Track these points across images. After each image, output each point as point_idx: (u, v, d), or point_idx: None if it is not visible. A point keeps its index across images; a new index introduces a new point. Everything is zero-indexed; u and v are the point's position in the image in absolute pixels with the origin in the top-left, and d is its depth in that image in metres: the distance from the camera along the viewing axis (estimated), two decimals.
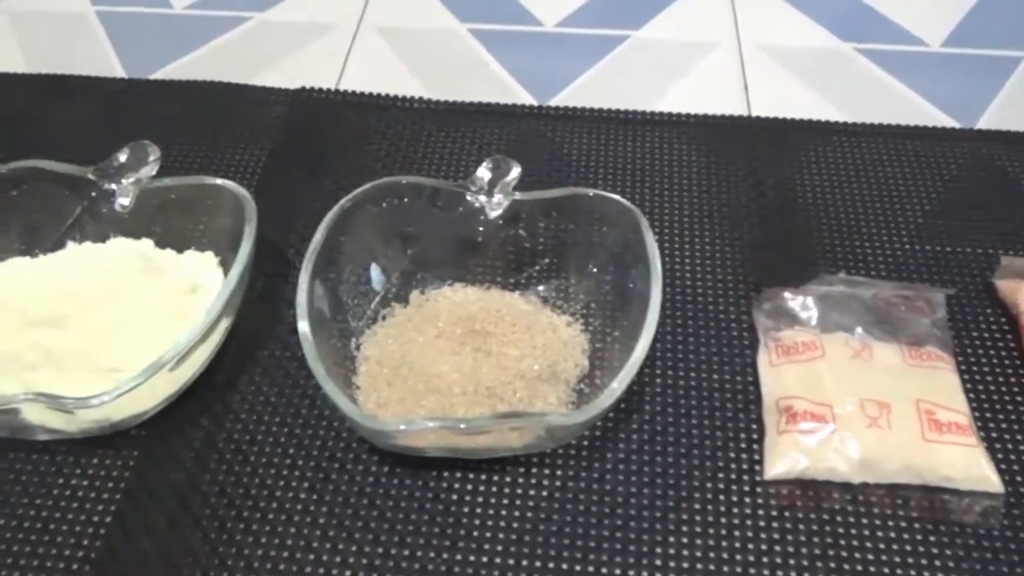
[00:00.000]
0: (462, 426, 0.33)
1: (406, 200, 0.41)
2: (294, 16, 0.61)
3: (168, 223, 0.42)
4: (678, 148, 0.51)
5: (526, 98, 0.55)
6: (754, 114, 0.54)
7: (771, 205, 0.48)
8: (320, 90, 0.54)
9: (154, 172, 0.42)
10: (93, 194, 0.42)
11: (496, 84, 0.56)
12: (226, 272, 0.41)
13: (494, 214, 0.41)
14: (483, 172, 0.41)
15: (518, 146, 0.51)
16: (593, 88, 0.56)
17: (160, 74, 0.56)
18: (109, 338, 0.38)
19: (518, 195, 0.41)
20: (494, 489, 0.36)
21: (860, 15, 0.62)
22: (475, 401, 0.37)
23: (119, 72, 0.56)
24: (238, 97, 0.54)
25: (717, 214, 0.47)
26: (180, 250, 0.42)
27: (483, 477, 0.37)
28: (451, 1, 0.63)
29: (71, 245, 0.42)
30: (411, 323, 0.40)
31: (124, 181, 0.41)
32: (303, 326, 0.35)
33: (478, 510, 0.36)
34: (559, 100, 0.55)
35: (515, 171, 0.41)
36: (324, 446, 0.38)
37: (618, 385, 0.33)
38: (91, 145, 0.49)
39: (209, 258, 0.42)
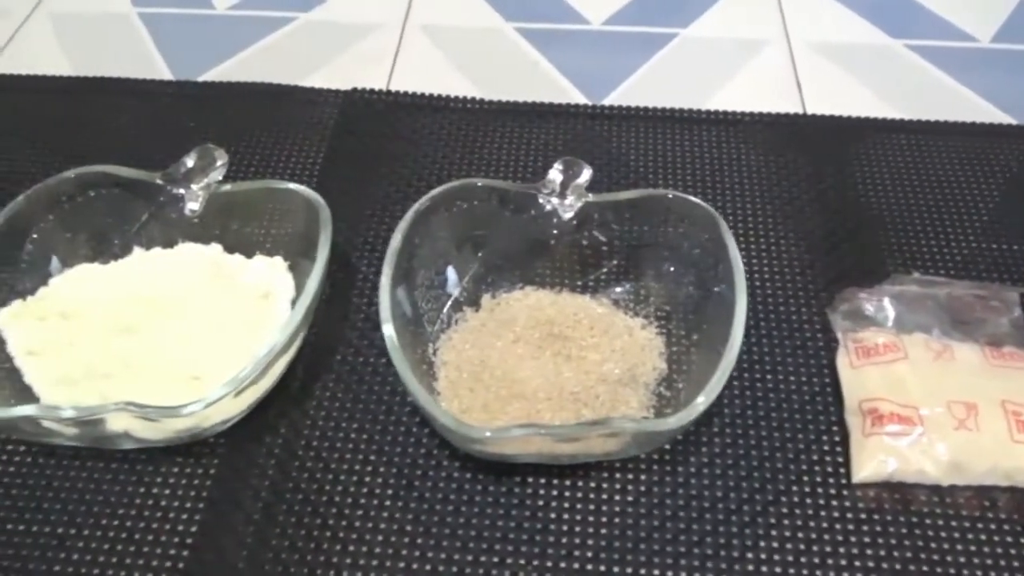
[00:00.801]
0: (559, 433, 0.32)
1: (478, 202, 0.40)
2: (338, 17, 0.61)
3: (236, 228, 0.42)
4: (735, 147, 0.51)
5: (579, 97, 0.55)
6: (809, 111, 0.53)
7: (833, 204, 0.47)
8: (371, 91, 0.54)
9: (221, 176, 0.41)
10: (161, 199, 0.41)
11: (547, 83, 0.56)
12: (296, 277, 0.41)
13: (566, 216, 0.41)
14: (555, 174, 0.41)
15: (575, 146, 0.51)
16: (645, 87, 0.56)
17: (207, 76, 0.56)
18: (186, 346, 0.38)
19: (591, 197, 0.41)
20: (579, 495, 0.36)
21: (905, 10, 0.62)
22: (560, 407, 0.36)
23: (166, 74, 0.56)
24: (289, 99, 0.54)
25: (780, 213, 0.47)
26: (248, 255, 0.42)
27: (567, 483, 0.36)
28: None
29: (137, 251, 0.42)
30: (486, 327, 0.40)
31: (194, 186, 0.41)
32: (388, 331, 0.35)
33: (565, 516, 0.36)
34: (612, 99, 0.55)
35: (587, 173, 0.41)
36: (404, 452, 0.37)
37: (711, 391, 0.33)
38: (144, 149, 0.50)
39: (278, 263, 0.41)
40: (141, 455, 0.37)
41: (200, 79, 0.55)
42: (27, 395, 0.37)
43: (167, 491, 0.36)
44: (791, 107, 0.54)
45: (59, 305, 0.39)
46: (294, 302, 0.40)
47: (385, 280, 0.37)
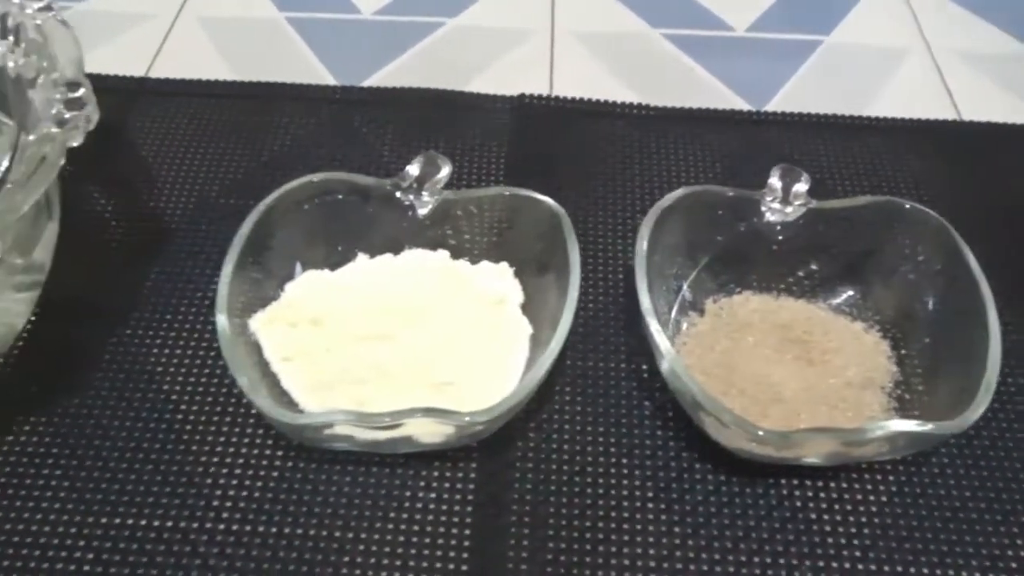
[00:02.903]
0: (851, 438, 0.33)
1: (707, 208, 0.41)
2: (486, 22, 0.61)
3: (461, 233, 0.42)
4: (902, 154, 0.52)
5: (740, 103, 0.56)
6: (965, 119, 0.55)
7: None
8: (539, 96, 0.54)
9: (445, 183, 0.42)
10: (390, 205, 0.41)
11: (706, 89, 0.57)
12: (523, 284, 0.41)
13: (787, 222, 0.42)
14: (775, 181, 0.42)
15: (743, 152, 0.52)
16: (800, 93, 0.56)
17: (369, 82, 0.56)
18: (434, 351, 0.38)
19: (814, 203, 0.42)
20: (834, 495, 0.37)
21: None
22: (814, 410, 0.37)
23: (328, 79, 0.56)
24: (459, 105, 0.54)
25: (966, 220, 0.48)
26: (473, 261, 0.42)
27: (819, 483, 0.37)
28: (637, 5, 0.63)
29: (362, 257, 0.42)
30: (719, 332, 0.40)
31: (425, 193, 0.41)
32: (665, 345, 0.35)
33: (825, 516, 0.36)
34: (773, 105, 0.55)
35: (806, 180, 0.42)
36: (654, 454, 0.38)
37: (982, 398, 0.34)
38: (322, 154, 0.50)
39: (504, 269, 0.42)
40: (399, 459, 0.38)
41: (363, 84, 0.56)
42: (286, 400, 0.37)
43: (432, 495, 0.37)
44: (945, 114, 0.55)
45: (307, 311, 0.39)
46: (523, 307, 0.41)
47: (642, 283, 0.37)
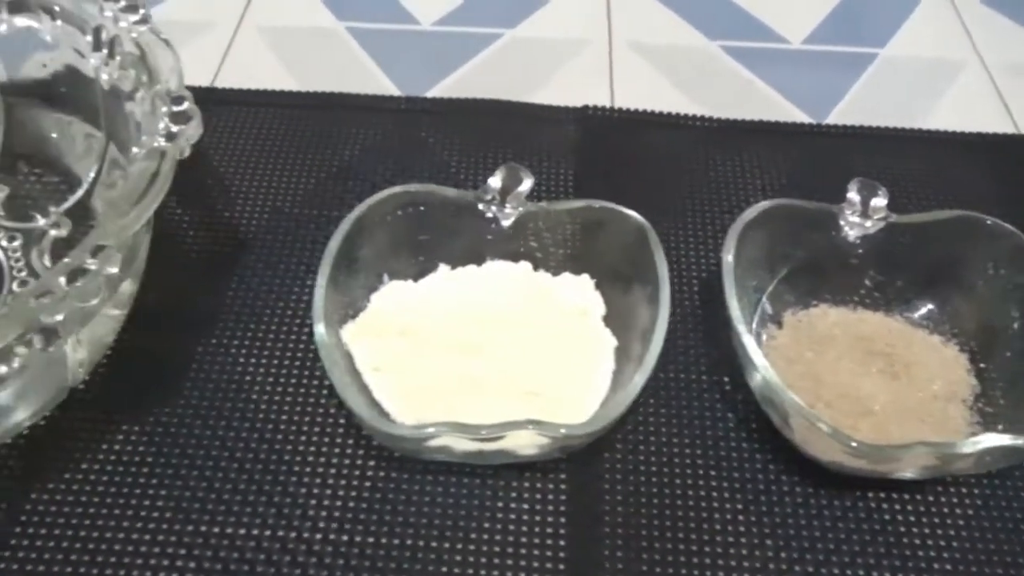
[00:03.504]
0: (946, 453, 0.33)
1: (786, 221, 0.42)
2: (545, 32, 0.62)
3: (542, 245, 0.42)
4: (966, 166, 0.52)
5: (801, 116, 0.56)
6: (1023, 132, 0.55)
7: None
8: (602, 108, 0.55)
9: (526, 194, 0.42)
10: (473, 216, 0.42)
11: (765, 101, 0.57)
12: (604, 296, 0.42)
13: (866, 235, 0.42)
14: (853, 195, 0.42)
15: (808, 165, 0.52)
16: (858, 106, 0.57)
17: (433, 92, 0.56)
18: (521, 362, 0.39)
19: (893, 217, 0.42)
20: (921, 508, 0.37)
21: None
22: (905, 425, 0.37)
23: (390, 89, 0.57)
24: (524, 116, 0.54)
25: None
26: (553, 273, 0.43)
27: (906, 496, 0.38)
28: (691, 16, 0.63)
29: (443, 267, 0.42)
30: (800, 345, 0.41)
31: (508, 206, 0.42)
32: (760, 359, 0.36)
33: (914, 530, 0.37)
34: (832, 118, 0.56)
35: (884, 194, 0.42)
36: (741, 466, 0.38)
37: None
38: (398, 163, 0.50)
39: (585, 281, 0.42)
40: (488, 470, 0.38)
41: (427, 95, 0.56)
42: (377, 410, 0.37)
43: (525, 506, 0.37)
44: (1002, 127, 0.55)
45: (396, 322, 0.39)
46: (604, 319, 0.41)
47: (729, 291, 0.38)
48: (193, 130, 0.34)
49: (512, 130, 0.53)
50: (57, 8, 0.40)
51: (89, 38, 0.40)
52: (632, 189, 0.50)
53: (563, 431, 0.34)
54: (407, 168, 0.51)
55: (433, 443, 0.35)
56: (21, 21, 0.41)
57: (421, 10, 0.63)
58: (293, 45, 0.60)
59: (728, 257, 0.39)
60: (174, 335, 0.42)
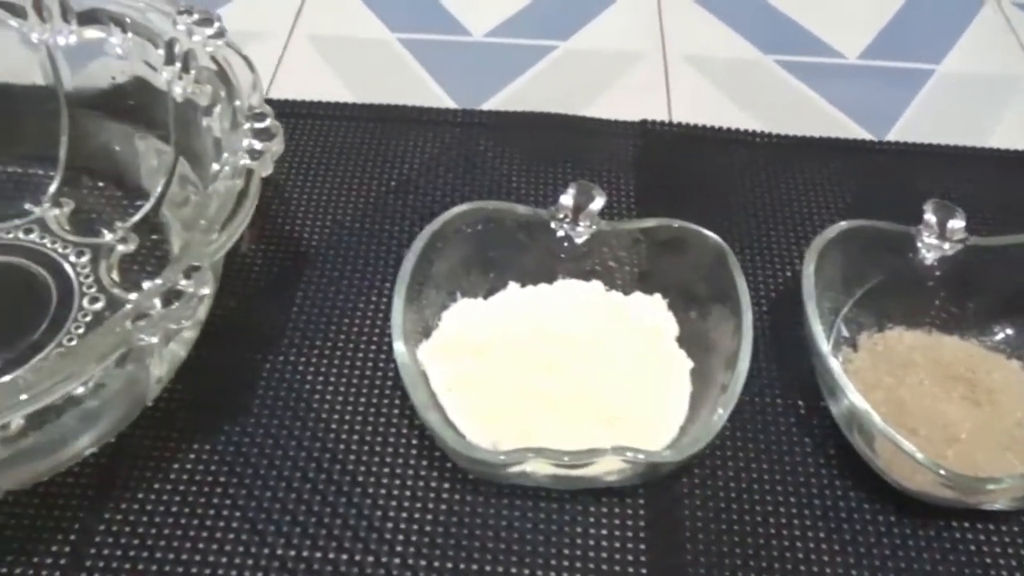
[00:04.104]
0: None
1: (864, 243, 0.41)
2: (598, 44, 0.61)
3: (613, 264, 0.42)
4: None
5: (860, 132, 0.55)
6: None
7: None
8: (660, 122, 0.54)
9: (598, 212, 0.42)
10: (544, 234, 0.41)
11: (823, 117, 0.56)
12: (676, 316, 0.41)
13: (943, 257, 0.41)
14: (930, 216, 0.42)
15: (871, 182, 0.51)
16: (919, 122, 0.56)
17: (488, 104, 0.56)
18: (599, 384, 0.38)
19: (971, 239, 0.41)
20: (1006, 539, 0.37)
21: None
22: (992, 454, 0.37)
23: (445, 101, 0.56)
24: (583, 129, 0.54)
25: None
26: (624, 292, 0.42)
27: (991, 526, 0.37)
28: (745, 30, 0.63)
29: (513, 286, 0.42)
30: (879, 369, 0.40)
31: (581, 224, 0.41)
32: (849, 386, 0.35)
33: (989, 560, 0.36)
34: (892, 135, 0.55)
35: (961, 216, 0.42)
36: (821, 493, 0.38)
37: None
38: (458, 177, 0.50)
39: (658, 301, 0.41)
40: (566, 495, 0.37)
41: (482, 107, 0.56)
42: (454, 431, 0.37)
43: (604, 531, 0.36)
44: None
45: (469, 340, 0.39)
46: (677, 340, 0.40)
47: (813, 310, 0.37)
48: (277, 147, 0.34)
49: (571, 144, 0.53)
50: (128, 20, 0.40)
51: (161, 51, 0.39)
52: (695, 205, 0.49)
53: (651, 459, 0.33)
54: (467, 183, 0.50)
55: (514, 469, 0.34)
56: (91, 33, 0.41)
57: (471, 21, 0.63)
58: (345, 55, 0.59)
59: (809, 283, 0.38)
60: (240, 351, 0.41)
